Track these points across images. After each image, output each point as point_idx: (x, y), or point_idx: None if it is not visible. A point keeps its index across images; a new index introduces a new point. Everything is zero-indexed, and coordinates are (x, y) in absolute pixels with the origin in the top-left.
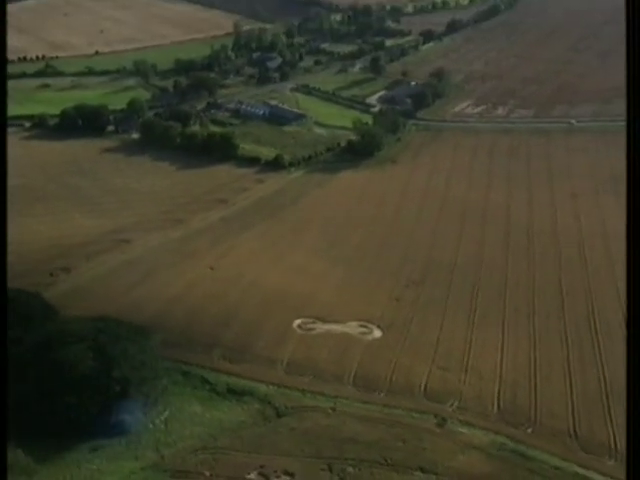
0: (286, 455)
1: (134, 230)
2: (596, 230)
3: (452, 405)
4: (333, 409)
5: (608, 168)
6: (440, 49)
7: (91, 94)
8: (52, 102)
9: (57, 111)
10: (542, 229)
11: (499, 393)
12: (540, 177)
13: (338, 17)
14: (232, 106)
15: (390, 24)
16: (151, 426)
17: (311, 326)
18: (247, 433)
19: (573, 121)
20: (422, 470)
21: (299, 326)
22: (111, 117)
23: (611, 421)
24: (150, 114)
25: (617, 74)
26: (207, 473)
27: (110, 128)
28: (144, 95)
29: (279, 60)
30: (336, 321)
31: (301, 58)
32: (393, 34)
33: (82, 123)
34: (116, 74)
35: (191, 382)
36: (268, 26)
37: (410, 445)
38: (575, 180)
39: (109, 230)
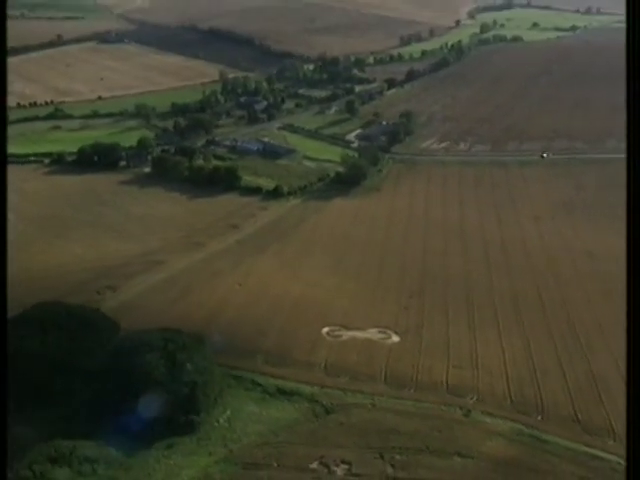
0: (340, 447)
1: (162, 252)
2: (559, 244)
3: (472, 398)
4: (373, 405)
5: (560, 195)
6: (402, 94)
7: (99, 134)
8: (64, 141)
9: (69, 149)
10: (514, 245)
11: (508, 387)
12: (505, 202)
13: (310, 66)
14: (228, 143)
15: (356, 72)
16: (216, 424)
17: (338, 333)
18: (302, 428)
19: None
20: (459, 455)
21: (327, 333)
22: (123, 153)
23: (604, 407)
24: (157, 150)
25: (555, 117)
26: (274, 464)
27: (122, 163)
28: (147, 134)
29: (265, 103)
30: (358, 328)
31: (283, 101)
32: (360, 81)
33: (98, 159)
34: (119, 116)
35: (243, 385)
36: (249, 74)
37: (445, 434)
38: (535, 204)
39: (140, 253)
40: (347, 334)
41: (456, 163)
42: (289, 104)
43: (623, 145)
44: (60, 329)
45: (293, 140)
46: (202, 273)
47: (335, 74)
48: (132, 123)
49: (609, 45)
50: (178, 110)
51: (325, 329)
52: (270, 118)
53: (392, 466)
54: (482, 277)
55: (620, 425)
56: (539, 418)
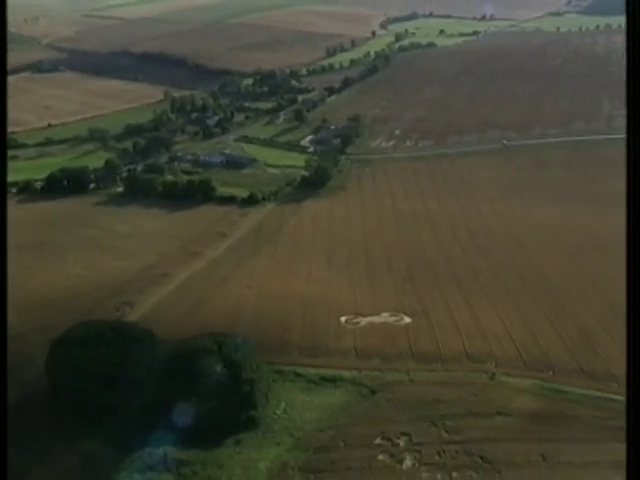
0: (394, 421)
1: (163, 265)
2: (516, 221)
3: (492, 364)
4: (411, 380)
5: (503, 178)
6: (342, 101)
7: (58, 160)
8: (25, 170)
9: (34, 177)
10: (477, 225)
11: (518, 350)
12: (458, 189)
13: (249, 81)
14: (190, 158)
15: (295, 83)
16: (275, 417)
17: (355, 320)
18: (355, 410)
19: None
20: (499, 414)
21: (346, 321)
22: (92, 176)
23: (600, 356)
24: (125, 170)
25: (483, 111)
26: (342, 445)
27: (92, 186)
28: (106, 156)
29: (216, 118)
30: (371, 314)
31: (232, 115)
32: (300, 91)
33: (67, 183)
34: (74, 141)
35: (287, 378)
36: (194, 92)
37: (481, 397)
38: (484, 189)
39: (142, 268)
40: (364, 320)
41: (407, 159)
42: (239, 117)
43: (551, 131)
44: (109, 345)
45: (251, 150)
46: (209, 280)
47: (275, 86)
48: (89, 147)
49: (510, 45)
50: (132, 131)
51: (343, 318)
52: (224, 132)
53: (446, 432)
54: (460, 257)
55: (617, 370)
56: (550, 373)
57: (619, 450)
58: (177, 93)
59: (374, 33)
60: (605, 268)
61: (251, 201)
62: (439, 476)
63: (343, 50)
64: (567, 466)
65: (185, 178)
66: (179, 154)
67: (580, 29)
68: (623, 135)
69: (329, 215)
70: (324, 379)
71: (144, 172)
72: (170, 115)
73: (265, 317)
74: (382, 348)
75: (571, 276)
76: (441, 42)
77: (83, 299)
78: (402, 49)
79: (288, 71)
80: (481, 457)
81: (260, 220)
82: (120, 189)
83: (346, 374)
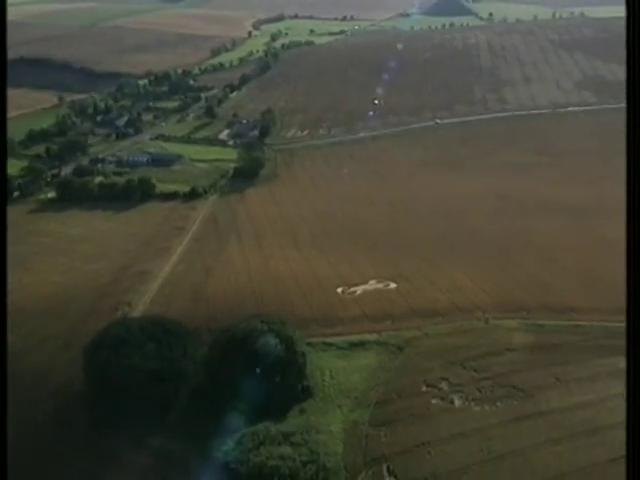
0: (429, 370)
1: (138, 263)
2: (444, 191)
3: (480, 311)
4: (426, 334)
5: (416, 158)
6: (245, 96)
7: None
8: None
9: None
10: (412, 197)
11: (491, 297)
12: (381, 168)
13: (144, 82)
14: (112, 159)
15: (193, 83)
16: (325, 384)
17: (351, 290)
18: (392, 365)
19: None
20: (508, 350)
21: (342, 292)
22: (16, 184)
23: (556, 293)
24: (49, 175)
25: (366, 103)
26: (395, 397)
27: (16, 194)
28: (17, 164)
29: (125, 118)
30: (361, 283)
31: (140, 115)
32: (200, 89)
33: None
34: None
35: (318, 348)
36: (89, 95)
37: (487, 339)
38: (404, 166)
39: (118, 268)
40: (358, 288)
41: (325, 145)
42: (147, 117)
43: (439, 113)
44: (156, 340)
45: (171, 147)
46: (193, 273)
47: (175, 86)
48: None
49: (381, 41)
50: (37, 136)
51: (339, 289)
52: (137, 132)
53: (475, 371)
54: (406, 226)
55: (570, 302)
56: (525, 313)
57: (606, 362)
58: (70, 97)
59: (250, 33)
60: (525, 223)
61: (194, 195)
62: (487, 408)
63: (226, 50)
64: (577, 381)
65: (124, 178)
66: (100, 156)
67: (429, 27)
68: (503, 113)
69: (274, 200)
70: (352, 344)
71: (73, 176)
72: (74, 119)
73: (267, 298)
74: (387, 310)
75: (503, 232)
76: (315, 40)
77: (74, 304)
78: (285, 47)
79: (181, 71)
80: (513, 387)
81: (211, 212)
82: (52, 194)
83: (370, 337)
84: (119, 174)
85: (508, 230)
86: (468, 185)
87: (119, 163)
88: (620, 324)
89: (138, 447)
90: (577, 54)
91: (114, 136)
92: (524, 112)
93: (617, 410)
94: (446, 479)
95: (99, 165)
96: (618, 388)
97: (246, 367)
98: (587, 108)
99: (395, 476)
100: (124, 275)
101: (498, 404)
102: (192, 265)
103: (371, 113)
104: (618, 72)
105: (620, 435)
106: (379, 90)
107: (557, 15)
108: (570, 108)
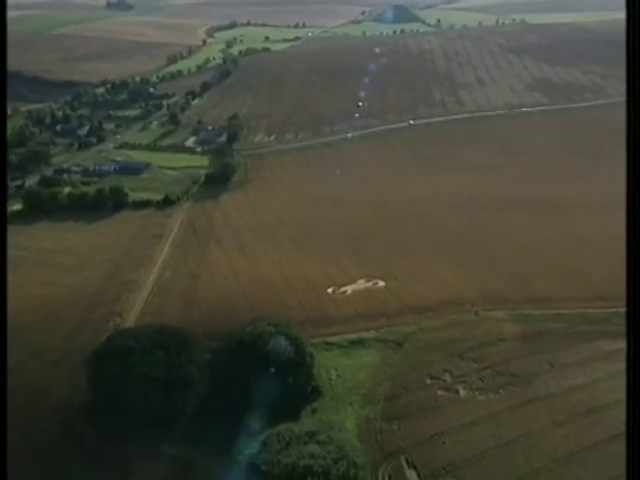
0: (431, 362)
1: (123, 272)
2: (413, 191)
3: (468, 304)
4: (421, 329)
5: (385, 159)
6: (207, 103)
7: None
8: None
9: None
10: (383, 198)
11: (475, 291)
12: (350, 171)
13: (101, 90)
14: (77, 169)
15: (153, 90)
16: (332, 382)
17: (341, 290)
18: (394, 361)
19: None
20: (500, 340)
21: (333, 292)
22: None
23: (529, 284)
24: (12, 187)
25: (341, 103)
26: (403, 390)
27: None
28: None
29: (87, 128)
30: (351, 283)
31: (101, 124)
32: (161, 97)
33: None
34: None
35: (321, 348)
36: (40, 105)
37: (479, 331)
38: (375, 167)
39: (102, 278)
40: (348, 288)
41: (294, 149)
42: (108, 126)
43: (404, 116)
44: (163, 348)
45: (137, 155)
46: (181, 279)
47: (134, 94)
48: None
49: (335, 48)
50: None
51: (329, 290)
52: (99, 141)
53: (473, 362)
54: (383, 227)
55: (550, 292)
56: (511, 305)
57: (591, 347)
58: (25, 107)
59: (205, 41)
60: (497, 220)
61: (167, 202)
62: (491, 396)
63: (182, 57)
64: (569, 366)
65: (95, 188)
66: (65, 166)
67: (381, 34)
68: (463, 115)
69: (250, 205)
70: (353, 342)
71: (39, 187)
72: (32, 129)
73: (260, 302)
74: (379, 308)
75: (477, 229)
76: (271, 47)
77: (62, 317)
78: (244, 53)
79: (139, 79)
80: (512, 374)
81: (188, 219)
82: (17, 206)
83: (368, 335)
84: (87, 184)
85: (482, 227)
86: (439, 185)
87: (85, 173)
88: (597, 310)
89: (153, 456)
90: (525, 58)
91: (76, 146)
92: (482, 113)
93: (609, 390)
94: (463, 467)
95: (65, 175)
96: (606, 370)
97: (258, 370)
98: (540, 108)
99: (415, 467)
100: (109, 285)
101: (501, 392)
102: (178, 272)
103: (340, 116)
104: (563, 74)
105: (615, 413)
106: (341, 95)
107: (500, 22)
108: (524, 109)
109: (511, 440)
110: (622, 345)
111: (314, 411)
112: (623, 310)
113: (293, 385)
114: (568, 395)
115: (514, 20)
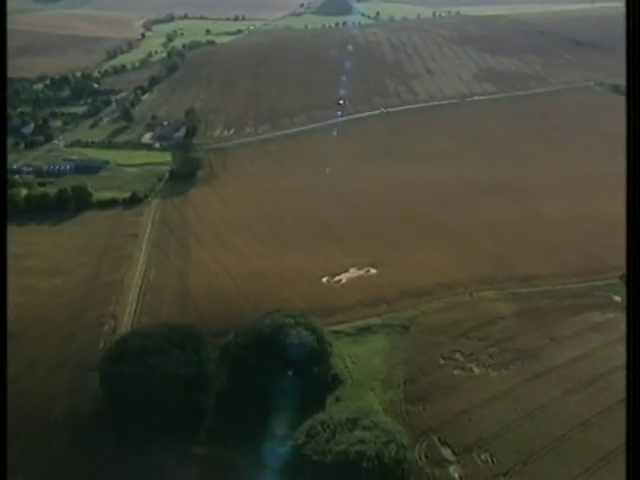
0: (439, 344)
1: (105, 274)
2: (383, 181)
3: (460, 287)
4: (423, 312)
5: (349, 150)
6: (158, 98)
7: None
8: None
9: None
10: (358, 189)
11: (463, 273)
12: (312, 162)
13: (39, 86)
14: (28, 169)
15: (97, 86)
16: (348, 370)
17: (336, 279)
18: (404, 344)
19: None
20: (500, 318)
21: (328, 281)
22: None
23: (513, 263)
24: None
25: (297, 95)
26: (419, 373)
27: None
28: None
29: (32, 126)
30: (343, 272)
31: (46, 122)
32: (108, 92)
33: None
34: None
35: (330, 336)
36: None
37: (477, 311)
38: (340, 158)
39: (83, 280)
40: (343, 277)
41: (256, 142)
42: (55, 123)
43: (361, 107)
44: (180, 346)
45: (91, 154)
46: (169, 277)
47: (78, 90)
48: None
49: (281, 40)
50: None
51: (324, 279)
52: (47, 139)
53: (479, 340)
54: (362, 215)
55: (532, 270)
56: (496, 285)
57: (581, 319)
58: None
59: (143, 35)
60: (467, 204)
61: (135, 200)
62: (504, 371)
63: (122, 52)
64: (568, 338)
65: (55, 188)
66: (14, 166)
67: (323, 26)
68: (418, 105)
69: (221, 200)
70: (360, 329)
71: None
72: None
73: (256, 295)
74: (378, 295)
75: (451, 214)
76: (214, 40)
77: (49, 324)
78: (189, 47)
79: (80, 74)
80: (517, 349)
81: (160, 216)
82: None
83: (374, 321)
84: (43, 184)
85: (455, 211)
86: (405, 173)
87: (39, 173)
88: (576, 285)
89: (185, 458)
90: (468, 49)
91: (23, 145)
92: (436, 102)
93: (608, 358)
94: (493, 440)
95: (17, 176)
96: (601, 340)
97: (282, 362)
98: (490, 97)
99: (448, 445)
100: (93, 288)
101: (511, 367)
102: (164, 271)
103: (297, 108)
104: (507, 64)
105: (616, 379)
106: (295, 87)
107: (437, 14)
108: (475, 97)
109: (530, 411)
110: (609, 315)
111: (338, 399)
112: (601, 283)
113: (318, 374)
114: (572, 365)
115: (450, 12)
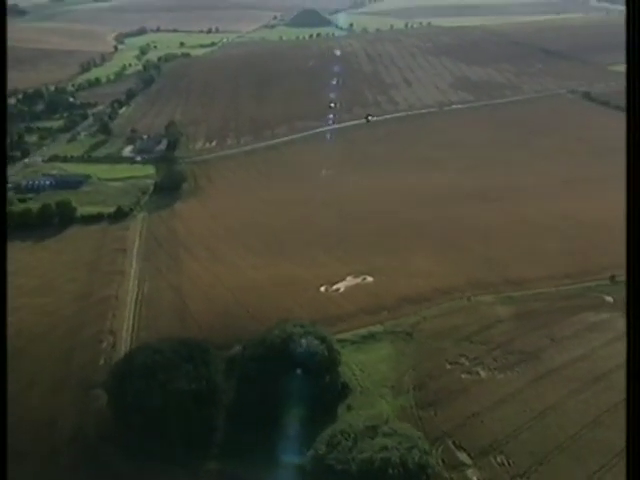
0: (444, 349)
1: (98, 290)
2: (371, 189)
3: (457, 292)
4: (424, 317)
5: (333, 159)
6: (136, 111)
7: None
8: None
9: None
10: (346, 198)
11: (459, 278)
12: (298, 171)
13: (12, 101)
14: (9, 185)
15: (72, 100)
16: (357, 378)
17: (334, 288)
18: (409, 350)
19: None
20: (499, 322)
21: (326, 290)
22: None
23: (507, 268)
24: None
25: (277, 107)
26: (427, 380)
27: None
28: None
29: (7, 141)
30: (340, 280)
31: (21, 137)
32: (84, 106)
33: None
34: None
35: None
36: None
37: (476, 315)
38: (324, 167)
39: (76, 297)
40: (341, 286)
41: (239, 154)
42: (30, 138)
43: (342, 116)
44: (190, 360)
45: (71, 168)
46: (164, 291)
47: (53, 104)
48: None
49: (257, 52)
50: None
51: (322, 288)
52: (24, 154)
53: (482, 344)
54: (352, 223)
55: (528, 274)
56: (491, 289)
57: (577, 320)
58: None
59: (116, 47)
60: (455, 210)
61: (120, 215)
62: (509, 373)
63: (96, 65)
64: (567, 338)
65: (38, 204)
66: None
67: (297, 38)
68: (399, 114)
69: (208, 212)
70: (364, 337)
71: None
72: None
73: (256, 306)
74: (377, 302)
75: (440, 220)
76: (188, 52)
77: (45, 342)
78: (164, 59)
79: (53, 88)
80: (521, 352)
81: (147, 230)
82: None
83: (377, 329)
84: (24, 200)
85: (444, 217)
86: (393, 181)
87: (18, 189)
88: (567, 287)
89: (201, 474)
90: (443, 59)
91: None
92: (416, 111)
93: (607, 357)
94: (507, 442)
95: None
96: (600, 339)
97: (294, 371)
98: (467, 105)
99: (463, 448)
100: (88, 304)
101: (516, 369)
102: (158, 285)
103: (278, 119)
104: (481, 73)
105: (618, 377)
106: (274, 98)
107: (409, 25)
108: (453, 106)
109: (540, 412)
110: (604, 315)
111: (349, 407)
112: (592, 284)
113: (329, 383)
114: (574, 365)
115: (421, 24)
